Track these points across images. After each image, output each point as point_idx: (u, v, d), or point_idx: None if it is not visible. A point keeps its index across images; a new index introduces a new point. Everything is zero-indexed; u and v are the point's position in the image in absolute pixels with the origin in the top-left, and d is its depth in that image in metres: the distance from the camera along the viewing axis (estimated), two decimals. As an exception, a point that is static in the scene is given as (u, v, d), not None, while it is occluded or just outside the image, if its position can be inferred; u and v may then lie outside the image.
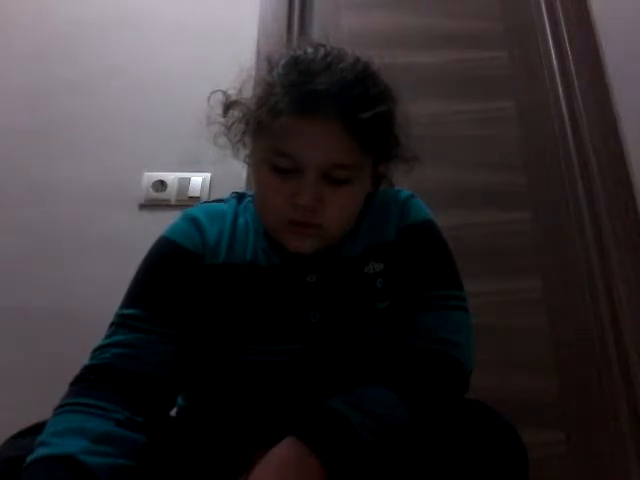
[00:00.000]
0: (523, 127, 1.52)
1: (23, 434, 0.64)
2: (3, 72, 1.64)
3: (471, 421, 0.63)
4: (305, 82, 0.69)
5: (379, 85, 0.74)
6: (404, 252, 0.80)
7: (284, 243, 0.75)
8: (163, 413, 0.72)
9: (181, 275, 0.76)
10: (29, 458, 0.57)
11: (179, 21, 1.65)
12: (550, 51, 1.56)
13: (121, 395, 0.65)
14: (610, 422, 1.20)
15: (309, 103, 0.69)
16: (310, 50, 0.74)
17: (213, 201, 0.89)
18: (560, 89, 1.50)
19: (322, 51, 0.73)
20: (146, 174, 1.48)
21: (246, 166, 0.90)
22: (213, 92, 0.80)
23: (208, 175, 1.47)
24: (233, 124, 0.79)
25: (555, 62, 1.54)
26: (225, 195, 0.90)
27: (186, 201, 1.42)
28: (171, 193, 1.46)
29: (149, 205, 1.46)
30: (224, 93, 0.80)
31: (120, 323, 0.72)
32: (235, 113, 0.78)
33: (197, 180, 1.46)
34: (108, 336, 0.71)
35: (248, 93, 0.78)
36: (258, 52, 1.49)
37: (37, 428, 0.62)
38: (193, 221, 0.80)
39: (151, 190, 1.47)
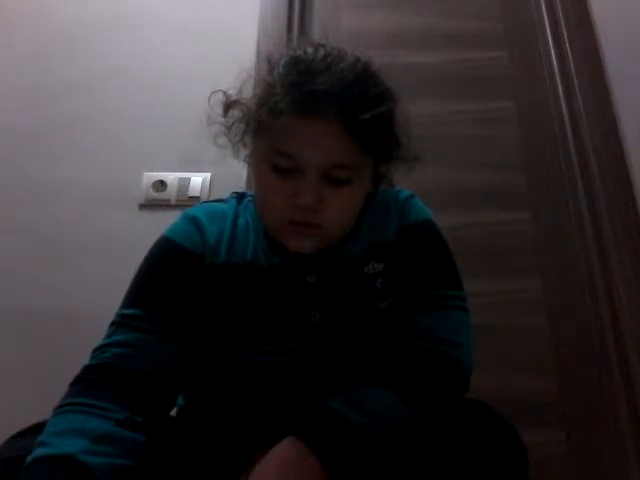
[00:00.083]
0: (523, 127, 1.52)
1: (23, 434, 0.64)
2: (3, 72, 1.64)
3: (471, 421, 0.63)
4: (305, 82, 0.69)
5: (379, 85, 0.74)
6: (404, 252, 0.80)
7: (284, 243, 0.75)
8: (163, 413, 0.71)
9: (181, 275, 0.76)
10: (29, 458, 0.57)
11: (179, 21, 1.65)
12: (550, 51, 1.56)
13: (121, 395, 0.65)
14: (610, 422, 1.20)
15: (309, 103, 0.69)
16: (310, 50, 0.74)
17: (213, 201, 0.89)
18: (560, 89, 1.50)
19: (322, 51, 0.73)
20: (146, 174, 1.48)
21: (246, 166, 0.90)
22: (213, 92, 0.80)
23: (208, 175, 1.47)
24: (233, 124, 0.79)
25: (555, 62, 1.54)
26: (225, 195, 0.90)
27: (186, 201, 1.42)
28: (171, 193, 1.46)
29: (149, 205, 1.46)
30: (224, 93, 0.80)
31: (120, 323, 0.72)
32: (235, 113, 0.78)
33: (197, 180, 1.46)
34: (108, 336, 0.71)
35: (248, 93, 0.78)
36: (258, 52, 1.49)
37: (37, 428, 0.62)
38: (193, 221, 0.80)
39: (151, 190, 1.47)
